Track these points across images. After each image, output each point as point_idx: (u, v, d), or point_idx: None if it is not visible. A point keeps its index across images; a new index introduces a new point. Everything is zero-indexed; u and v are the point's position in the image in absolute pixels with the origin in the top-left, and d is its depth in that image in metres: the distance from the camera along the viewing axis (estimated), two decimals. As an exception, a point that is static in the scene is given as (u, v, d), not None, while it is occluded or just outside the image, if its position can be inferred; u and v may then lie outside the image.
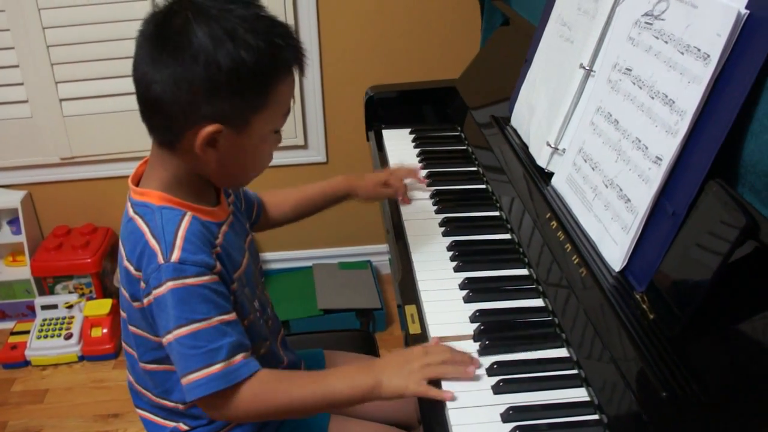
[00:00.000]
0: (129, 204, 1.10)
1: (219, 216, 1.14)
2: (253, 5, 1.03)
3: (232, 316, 1.05)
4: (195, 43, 0.97)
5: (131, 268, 1.06)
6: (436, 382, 1.06)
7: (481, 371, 1.07)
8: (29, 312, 2.62)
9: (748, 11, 0.90)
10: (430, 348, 1.10)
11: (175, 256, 1.01)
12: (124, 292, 1.11)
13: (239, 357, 1.03)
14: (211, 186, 1.15)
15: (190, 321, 1.01)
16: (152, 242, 1.03)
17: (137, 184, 1.12)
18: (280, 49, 1.02)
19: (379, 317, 2.56)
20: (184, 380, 1.02)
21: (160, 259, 1.02)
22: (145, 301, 1.04)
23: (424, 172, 1.69)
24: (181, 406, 1.17)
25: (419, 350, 1.09)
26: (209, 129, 1.01)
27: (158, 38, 1.00)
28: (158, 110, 1.02)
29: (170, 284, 1.01)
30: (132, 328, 1.13)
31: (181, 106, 1.00)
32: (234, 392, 1.03)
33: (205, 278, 1.03)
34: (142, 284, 1.04)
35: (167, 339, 1.02)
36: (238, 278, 1.13)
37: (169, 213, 1.06)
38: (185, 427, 1.19)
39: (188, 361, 1.01)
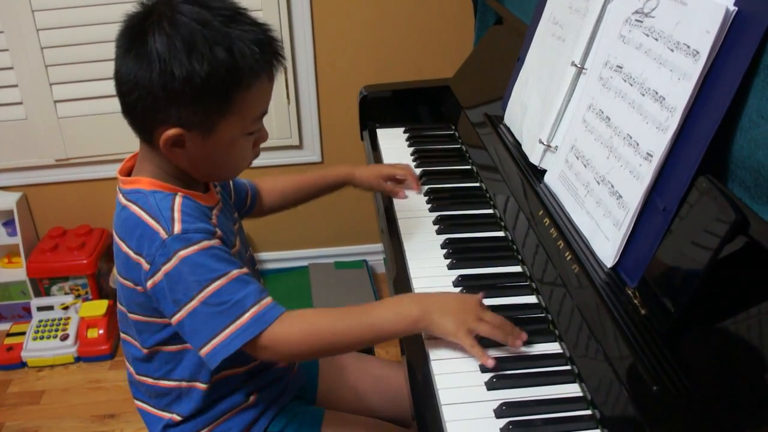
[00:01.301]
0: (119, 195, 1.12)
1: (209, 201, 1.16)
2: (230, 10, 1.04)
3: (246, 269, 1.07)
4: (153, 51, 0.99)
5: (131, 253, 1.07)
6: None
7: (474, 367, 1.08)
8: (25, 313, 2.62)
9: (737, 8, 0.90)
10: (486, 307, 1.12)
11: (177, 228, 1.04)
12: (122, 281, 1.12)
13: (267, 299, 1.05)
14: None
15: (211, 280, 1.03)
16: (151, 222, 1.05)
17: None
18: (242, 57, 1.02)
19: (375, 316, 2.57)
20: (217, 339, 1.02)
21: (163, 235, 1.03)
22: (149, 283, 1.05)
23: (418, 171, 1.69)
24: (184, 384, 1.18)
25: (476, 301, 1.11)
26: (170, 132, 1.04)
27: (126, 40, 1.03)
28: (128, 109, 1.06)
29: (181, 254, 1.03)
30: (133, 317, 1.15)
31: (144, 108, 1.03)
32: (282, 331, 1.04)
33: (212, 241, 1.05)
34: (146, 266, 1.05)
35: (188, 308, 1.03)
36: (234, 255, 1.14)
37: (161, 194, 1.08)
38: (178, 418, 1.20)
39: (218, 319, 1.02)
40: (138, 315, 1.14)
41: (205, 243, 1.04)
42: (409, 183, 1.58)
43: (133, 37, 1.02)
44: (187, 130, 1.04)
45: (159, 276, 1.04)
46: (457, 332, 1.06)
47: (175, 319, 1.05)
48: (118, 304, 1.19)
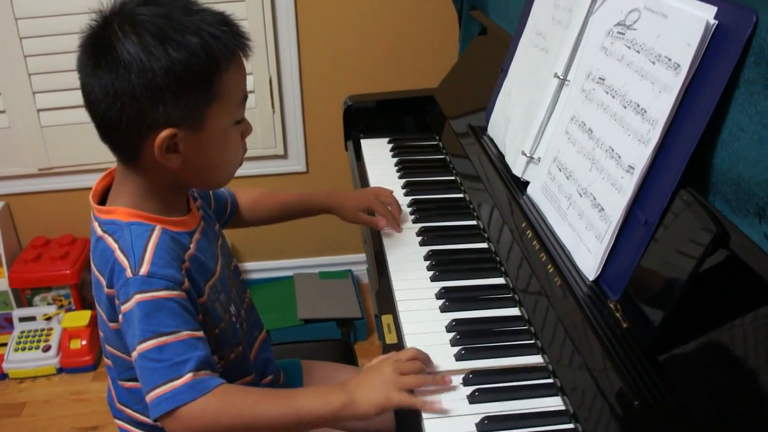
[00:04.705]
0: (96, 223, 1.08)
1: (190, 225, 1.13)
2: (182, 2, 1.02)
3: (200, 333, 1.02)
4: (124, 53, 0.97)
5: (105, 288, 1.05)
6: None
7: (457, 381, 1.07)
8: (7, 324, 2.59)
9: (717, 21, 0.91)
10: (401, 356, 1.09)
11: (144, 269, 1.00)
12: (101, 313, 1.10)
13: (206, 372, 1.00)
14: (180, 195, 1.14)
15: (157, 334, 0.98)
16: (121, 258, 1.02)
17: (102, 201, 1.11)
18: (215, 39, 1.00)
19: (360, 326, 2.56)
20: (149, 396, 0.98)
21: (129, 273, 1.00)
22: (120, 318, 1.02)
23: (402, 182, 1.69)
24: (159, 424, 1.15)
25: (390, 362, 1.08)
26: (163, 134, 1.00)
27: (93, 54, 1.00)
28: (112, 128, 1.02)
29: (137, 297, 0.99)
30: (108, 348, 1.11)
31: (129, 119, 1.00)
32: (199, 406, 0.98)
33: (174, 293, 1.01)
34: (116, 301, 1.02)
35: (133, 356, 0.99)
36: (212, 286, 1.11)
37: (138, 228, 1.04)
38: None
39: (153, 376, 0.98)
40: (112, 348, 1.11)
41: (165, 293, 1.00)
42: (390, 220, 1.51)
43: (99, 50, 0.99)
44: (178, 128, 1.00)
45: (120, 317, 1.01)
46: (390, 398, 1.02)
47: (132, 359, 1.01)
48: (99, 330, 1.16)
